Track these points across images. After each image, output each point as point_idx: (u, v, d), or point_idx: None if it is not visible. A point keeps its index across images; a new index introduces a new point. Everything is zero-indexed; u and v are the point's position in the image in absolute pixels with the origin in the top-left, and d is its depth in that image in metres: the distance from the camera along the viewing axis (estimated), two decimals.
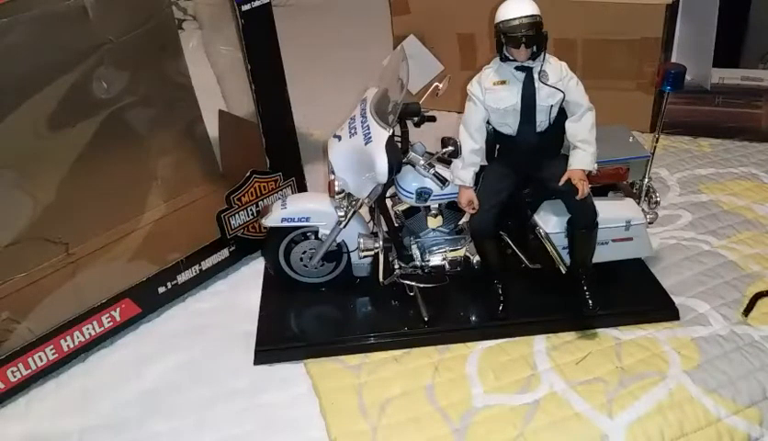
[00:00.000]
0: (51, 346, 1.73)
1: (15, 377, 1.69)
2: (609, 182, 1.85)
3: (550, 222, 1.76)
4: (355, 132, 1.71)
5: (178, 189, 2.28)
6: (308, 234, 1.87)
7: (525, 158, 1.70)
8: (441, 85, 1.70)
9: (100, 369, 1.79)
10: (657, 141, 1.87)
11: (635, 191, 1.88)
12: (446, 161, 1.75)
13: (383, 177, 1.65)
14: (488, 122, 1.70)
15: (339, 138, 1.76)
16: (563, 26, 2.46)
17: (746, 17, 2.87)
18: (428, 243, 1.86)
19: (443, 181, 1.73)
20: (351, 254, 1.87)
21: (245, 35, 1.86)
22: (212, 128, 2.36)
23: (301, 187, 2.15)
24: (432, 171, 1.73)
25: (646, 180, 1.86)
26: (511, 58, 1.61)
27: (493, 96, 1.64)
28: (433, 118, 1.77)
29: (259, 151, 2.02)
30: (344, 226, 1.79)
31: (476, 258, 1.82)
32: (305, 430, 1.57)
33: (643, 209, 1.84)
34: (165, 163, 2.24)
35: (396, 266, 1.82)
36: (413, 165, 1.74)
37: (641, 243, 1.83)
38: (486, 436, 1.53)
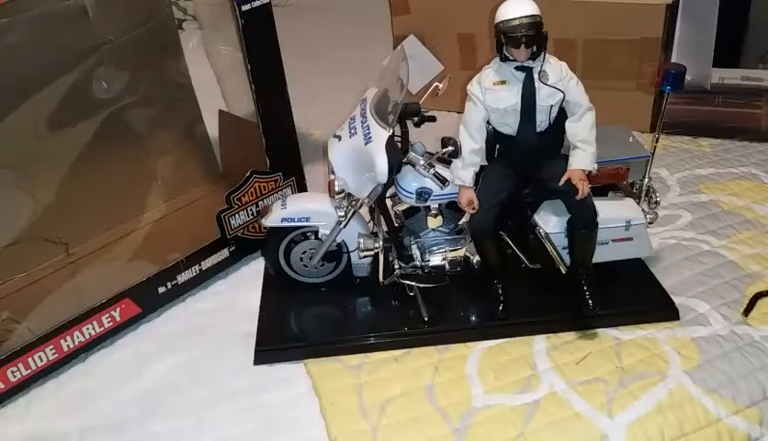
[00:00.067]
0: (51, 346, 1.73)
1: (15, 377, 1.69)
2: (609, 182, 1.85)
3: (550, 222, 1.76)
4: (355, 132, 1.71)
5: (178, 189, 2.28)
6: (308, 234, 1.87)
7: (525, 158, 1.70)
8: (441, 85, 1.70)
9: (100, 369, 1.79)
10: (657, 141, 1.87)
11: (635, 191, 1.88)
12: (446, 161, 1.75)
13: (383, 177, 1.65)
14: (488, 122, 1.70)
15: (339, 138, 1.76)
16: (563, 26, 2.46)
17: (746, 17, 2.87)
18: (428, 243, 1.86)
19: (443, 181, 1.73)
20: (351, 254, 1.87)
21: (245, 35, 1.86)
22: (212, 128, 2.36)
23: (301, 187, 2.15)
24: (432, 171, 1.73)
25: (646, 180, 1.86)
26: (511, 58, 1.61)
27: (493, 96, 1.64)
28: (433, 118, 1.77)
29: (259, 151, 2.02)
30: (344, 226, 1.79)
31: (476, 258, 1.82)
32: (305, 430, 1.57)
33: (643, 209, 1.84)
34: (165, 164, 2.24)
35: (396, 266, 1.82)
36: (413, 165, 1.74)
37: (641, 243, 1.83)
38: (486, 436, 1.53)
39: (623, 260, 1.85)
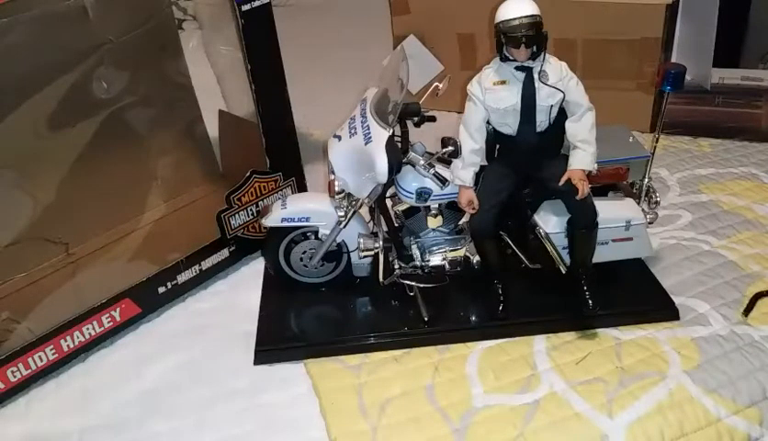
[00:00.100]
0: (51, 346, 1.73)
1: (15, 377, 1.69)
2: (609, 182, 1.85)
3: (550, 222, 1.76)
4: (356, 132, 1.71)
5: (178, 189, 2.28)
6: (308, 234, 1.87)
7: (525, 158, 1.70)
8: (441, 85, 1.70)
9: (100, 369, 1.79)
10: (657, 141, 1.87)
11: (635, 191, 1.88)
12: (446, 161, 1.75)
13: (383, 177, 1.65)
14: (488, 122, 1.70)
15: (339, 138, 1.76)
16: (563, 26, 2.46)
17: (746, 17, 2.87)
18: (428, 243, 1.86)
19: (443, 181, 1.73)
20: (351, 254, 1.87)
21: (245, 35, 1.86)
22: (212, 128, 2.36)
23: (301, 187, 2.15)
24: (432, 171, 1.73)
25: (646, 180, 1.86)
26: (511, 58, 1.61)
27: (493, 96, 1.64)
28: (433, 118, 1.77)
29: (259, 151, 2.02)
30: (344, 226, 1.79)
31: (476, 258, 1.82)
32: (305, 430, 1.57)
33: (643, 209, 1.84)
34: (165, 164, 2.24)
35: (396, 266, 1.82)
36: (413, 165, 1.74)
37: (641, 243, 1.83)
38: (486, 436, 1.53)
39: (623, 260, 1.85)
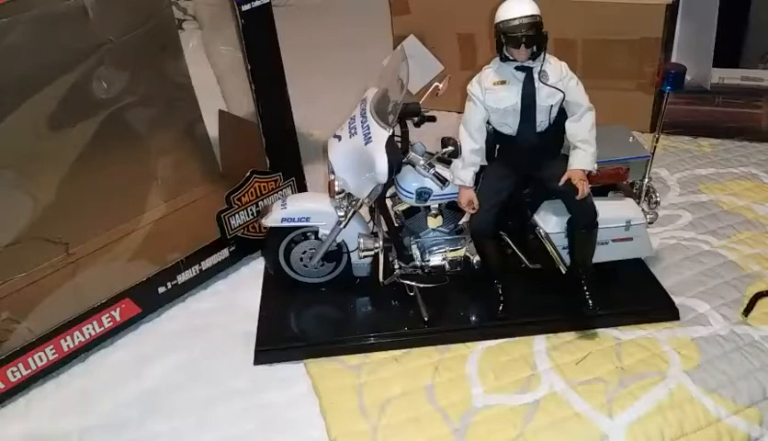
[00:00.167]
0: (51, 346, 1.73)
1: (15, 377, 1.69)
2: (609, 182, 1.85)
3: (550, 222, 1.76)
4: (355, 132, 1.71)
5: (178, 189, 2.28)
6: (308, 234, 1.87)
7: (525, 158, 1.70)
8: (441, 85, 1.70)
9: (100, 369, 1.79)
10: (657, 141, 1.86)
11: (635, 191, 1.88)
12: (446, 161, 1.75)
13: (383, 177, 1.65)
14: (488, 122, 1.70)
15: (339, 138, 1.76)
16: (563, 26, 2.46)
17: (746, 17, 2.87)
18: (428, 243, 1.86)
19: (443, 181, 1.73)
20: (351, 254, 1.87)
21: (245, 35, 1.86)
22: (212, 128, 2.36)
23: (301, 187, 2.15)
24: (432, 171, 1.73)
25: (646, 180, 1.85)
26: (511, 58, 1.61)
27: (493, 96, 1.64)
28: (433, 118, 1.77)
29: (259, 151, 2.02)
30: (344, 226, 1.79)
31: (476, 258, 1.82)
32: (305, 430, 1.57)
33: (643, 209, 1.84)
34: (165, 163, 2.24)
35: (396, 266, 1.82)
36: (413, 165, 1.74)
37: (641, 243, 1.83)
38: (486, 436, 1.53)
39: (623, 260, 1.85)
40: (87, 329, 1.79)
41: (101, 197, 2.05)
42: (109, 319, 1.82)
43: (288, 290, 1.93)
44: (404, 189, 1.77)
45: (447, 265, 1.84)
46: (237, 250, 2.05)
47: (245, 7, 1.82)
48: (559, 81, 1.62)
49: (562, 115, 1.67)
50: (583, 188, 1.64)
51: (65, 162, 2.00)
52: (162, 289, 1.92)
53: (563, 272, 1.80)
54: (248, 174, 2.00)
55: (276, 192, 2.08)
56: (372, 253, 1.82)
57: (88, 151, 2.02)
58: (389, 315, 1.83)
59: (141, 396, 1.69)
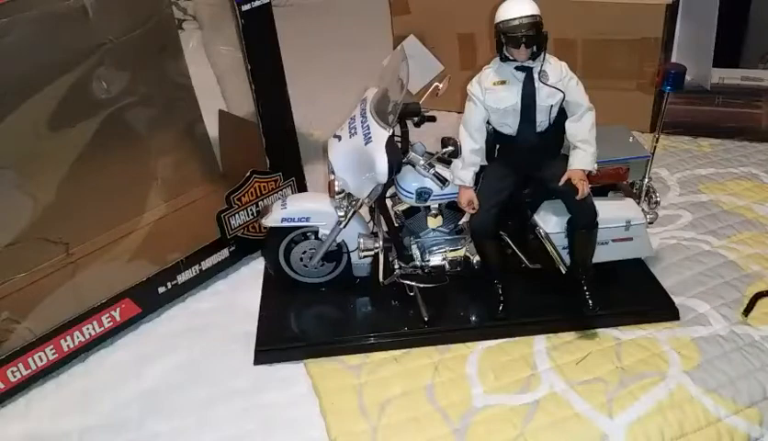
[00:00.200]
0: (51, 346, 1.73)
1: (15, 377, 1.69)
2: (609, 182, 1.85)
3: (550, 222, 1.76)
4: (356, 132, 1.71)
5: (178, 189, 2.28)
6: (308, 234, 1.87)
7: (525, 158, 1.70)
8: (441, 85, 1.70)
9: (100, 369, 1.79)
10: (657, 141, 1.86)
11: (635, 191, 1.88)
12: (446, 161, 1.75)
13: (383, 177, 1.65)
14: (488, 122, 1.70)
15: (339, 138, 1.76)
16: (563, 26, 2.46)
17: (746, 17, 2.87)
18: (428, 243, 1.86)
19: (443, 181, 1.73)
20: (351, 254, 1.87)
21: (245, 35, 1.86)
22: (212, 128, 2.36)
23: (301, 187, 2.15)
24: (432, 171, 1.73)
25: (646, 180, 1.85)
26: (511, 58, 1.61)
27: (493, 96, 1.64)
28: (433, 118, 1.77)
29: (259, 151, 2.02)
30: (344, 226, 1.79)
31: (476, 258, 1.82)
32: (305, 430, 1.57)
33: (643, 209, 1.84)
34: (165, 163, 2.24)
35: (396, 266, 1.82)
36: (413, 165, 1.74)
37: (641, 243, 1.83)
38: (486, 436, 1.53)
39: (623, 260, 1.85)
40: (87, 329, 1.79)
41: (101, 197, 2.06)
42: (109, 319, 1.82)
43: (288, 290, 1.93)
44: (404, 189, 1.77)
45: (447, 265, 1.84)
46: (237, 250, 2.05)
47: (245, 7, 1.82)
48: (559, 81, 1.62)
49: (562, 115, 1.67)
50: (583, 188, 1.64)
51: (65, 162, 2.00)
52: (162, 289, 1.92)
53: (563, 272, 1.79)
54: (248, 174, 2.00)
55: (276, 192, 2.08)
56: (372, 253, 1.82)
57: (88, 151, 2.02)
58: (389, 315, 1.83)
59: (141, 396, 1.69)
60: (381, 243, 1.80)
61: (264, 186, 2.05)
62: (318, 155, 2.41)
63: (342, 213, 1.75)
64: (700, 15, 2.67)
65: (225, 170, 2.37)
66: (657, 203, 1.88)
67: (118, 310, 1.83)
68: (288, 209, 1.83)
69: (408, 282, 1.82)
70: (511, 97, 1.63)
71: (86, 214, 2.05)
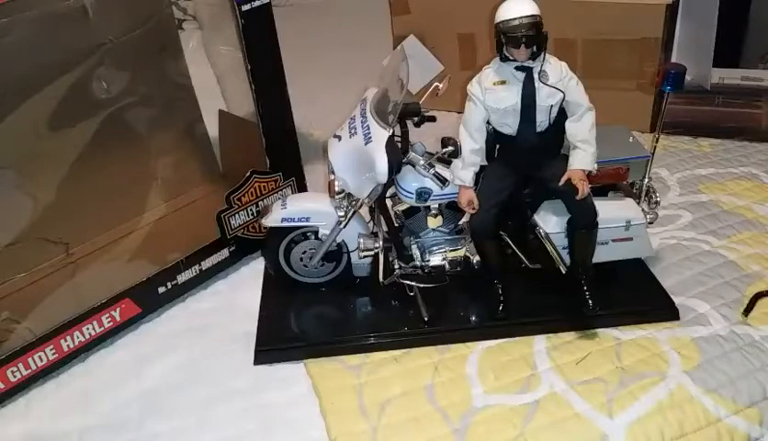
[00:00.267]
0: (51, 346, 1.73)
1: (15, 377, 1.69)
2: (609, 182, 1.85)
3: (550, 222, 1.76)
4: (356, 132, 1.71)
5: (178, 189, 2.28)
6: (308, 234, 1.87)
7: (525, 158, 1.70)
8: (441, 85, 1.70)
9: (100, 369, 1.79)
10: (657, 141, 1.86)
11: (635, 191, 1.87)
12: (446, 161, 1.75)
13: (383, 177, 1.65)
14: (488, 122, 1.70)
15: (339, 138, 1.76)
16: (563, 26, 2.46)
17: (746, 17, 2.87)
18: (428, 243, 1.86)
19: (443, 181, 1.73)
20: (351, 254, 1.87)
21: (245, 35, 1.86)
22: (212, 128, 2.36)
23: (301, 187, 2.15)
24: (432, 171, 1.73)
25: (646, 180, 1.85)
26: (511, 58, 1.61)
27: (493, 97, 1.64)
28: (433, 118, 1.77)
29: (259, 151, 2.02)
30: (344, 226, 1.79)
31: (476, 258, 1.82)
32: (305, 430, 1.57)
33: (643, 209, 1.84)
34: (165, 163, 2.24)
35: (396, 266, 1.82)
36: (413, 165, 1.74)
37: (641, 243, 1.83)
38: (486, 436, 1.53)
39: (623, 260, 1.85)
40: (87, 329, 1.79)
41: (101, 197, 2.06)
42: (109, 319, 1.82)
43: (288, 290, 1.93)
44: (404, 189, 1.77)
45: (447, 265, 1.84)
46: (237, 250, 2.05)
47: (245, 7, 1.82)
48: (559, 81, 1.62)
49: (562, 115, 1.67)
50: (583, 188, 1.64)
51: (65, 162, 2.00)
52: (162, 289, 1.92)
53: (563, 272, 1.79)
54: (248, 174, 2.00)
55: (276, 192, 2.08)
56: (372, 253, 1.82)
57: (88, 151, 2.02)
58: (389, 315, 1.83)
59: (141, 396, 1.69)
60: (381, 243, 1.80)
61: (264, 186, 2.05)
62: (318, 155, 2.41)
63: (342, 213, 1.75)
64: (700, 15, 2.67)
65: (225, 170, 2.37)
66: (657, 203, 1.88)
67: (118, 310, 1.83)
68: (288, 209, 1.83)
69: (408, 282, 1.82)
70: (511, 97, 1.63)
71: (86, 214, 2.05)
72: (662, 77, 1.80)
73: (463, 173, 1.70)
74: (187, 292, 1.98)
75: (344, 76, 3.03)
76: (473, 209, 1.71)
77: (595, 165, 1.68)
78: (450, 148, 1.72)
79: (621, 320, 1.78)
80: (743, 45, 2.89)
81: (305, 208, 1.83)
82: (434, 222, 1.84)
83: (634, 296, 1.85)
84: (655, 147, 1.86)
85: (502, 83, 1.63)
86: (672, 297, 1.83)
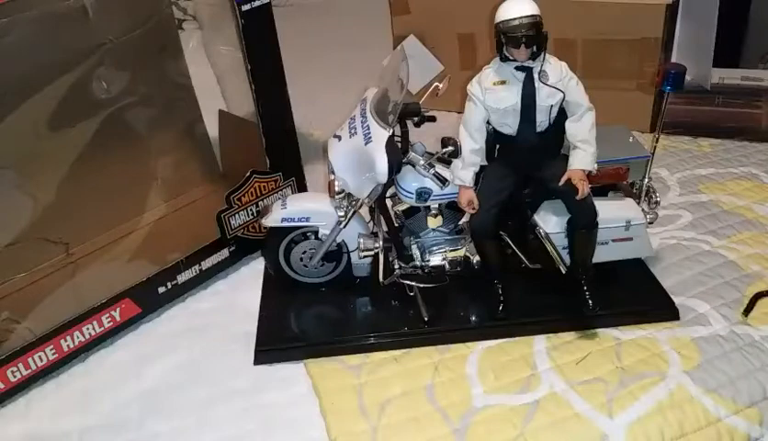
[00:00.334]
0: (51, 346, 1.73)
1: (15, 377, 1.69)
2: (609, 182, 1.85)
3: (550, 222, 1.76)
4: (356, 132, 1.71)
5: (178, 189, 2.28)
6: (308, 234, 1.87)
7: (525, 158, 1.70)
8: (441, 85, 1.70)
9: (100, 369, 1.79)
10: (657, 141, 1.86)
11: (635, 191, 1.88)
12: (446, 161, 1.75)
13: (383, 177, 1.65)
14: (488, 122, 1.70)
15: (339, 138, 1.76)
16: (563, 26, 2.46)
17: (746, 17, 2.87)
18: (428, 243, 1.86)
19: (443, 181, 1.73)
20: (351, 254, 1.87)
21: (245, 35, 1.86)
22: (212, 128, 2.36)
23: (301, 187, 2.15)
24: (432, 171, 1.73)
25: (646, 180, 1.85)
26: (511, 58, 1.61)
27: (493, 97, 1.64)
28: (433, 118, 1.77)
29: (259, 151, 2.02)
30: (344, 226, 1.79)
31: (476, 258, 1.82)
32: (305, 430, 1.57)
33: (643, 209, 1.84)
34: (165, 163, 2.24)
35: (396, 266, 1.82)
36: (413, 165, 1.74)
37: (641, 243, 1.83)
38: (486, 436, 1.53)
39: (623, 260, 1.85)
40: (87, 329, 1.79)
41: (101, 197, 2.06)
42: (109, 319, 1.82)
43: (288, 290, 1.93)
44: (404, 189, 1.77)
45: (447, 265, 1.84)
46: (237, 250, 2.05)
47: (245, 7, 1.82)
48: (559, 81, 1.62)
49: (562, 115, 1.67)
50: (583, 188, 1.64)
51: (65, 162, 2.00)
52: (162, 289, 1.92)
53: (563, 272, 1.79)
54: (248, 174, 2.00)
55: (276, 192, 2.08)
56: (372, 253, 1.82)
57: (88, 151, 2.02)
58: (389, 315, 1.83)
59: (141, 396, 1.69)
60: (381, 243, 1.80)
61: (264, 186, 2.05)
62: (318, 155, 2.41)
63: (342, 213, 1.75)
64: (700, 15, 2.67)
65: (225, 170, 2.37)
66: (657, 203, 1.88)
67: (118, 310, 1.83)
68: (288, 209, 1.83)
69: (408, 282, 1.82)
70: (511, 97, 1.63)
71: (86, 214, 2.05)
72: (662, 77, 1.80)
73: (463, 173, 1.70)
74: (187, 292, 1.98)
75: (344, 76, 3.03)
76: (473, 209, 1.71)
77: (595, 165, 1.68)
78: (450, 148, 1.72)
79: (621, 320, 1.78)
80: (743, 45, 2.89)
81: (305, 208, 1.83)
82: (434, 222, 1.84)
83: (634, 296, 1.85)
84: (655, 147, 1.86)
85: (502, 83, 1.63)
86: (672, 297, 1.83)
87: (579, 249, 1.75)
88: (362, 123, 1.70)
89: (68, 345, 1.76)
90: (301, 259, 1.90)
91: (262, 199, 2.05)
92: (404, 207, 1.85)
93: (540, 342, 1.75)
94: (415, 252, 1.84)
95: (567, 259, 1.78)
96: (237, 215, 2.01)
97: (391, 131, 1.65)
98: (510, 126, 1.67)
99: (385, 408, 1.60)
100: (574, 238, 1.74)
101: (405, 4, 2.88)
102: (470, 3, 2.62)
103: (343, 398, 1.63)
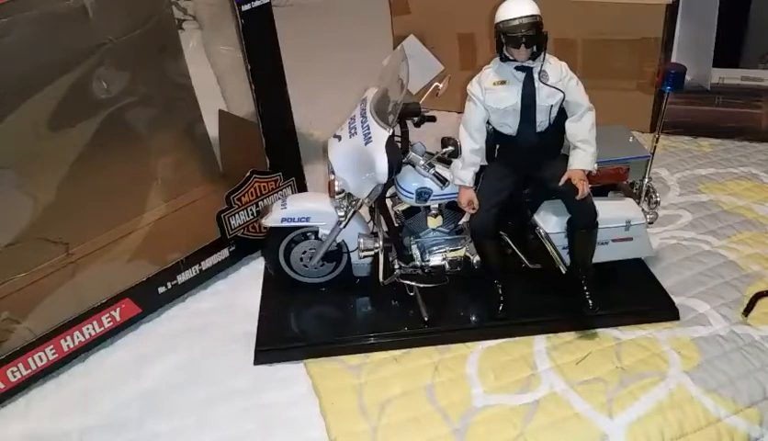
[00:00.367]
0: (51, 346, 1.73)
1: (15, 377, 1.69)
2: (609, 182, 1.85)
3: (550, 222, 1.76)
4: (355, 132, 1.71)
5: (178, 189, 2.28)
6: (308, 234, 1.87)
7: (525, 158, 1.70)
8: (441, 85, 1.70)
9: (100, 369, 1.79)
10: (657, 141, 1.86)
11: (635, 191, 1.88)
12: (446, 161, 1.75)
13: (383, 177, 1.65)
14: (488, 122, 1.70)
15: (339, 138, 1.76)
16: (563, 26, 2.46)
17: (746, 17, 2.87)
18: (428, 243, 1.86)
19: (443, 181, 1.73)
20: (351, 254, 1.87)
21: (245, 35, 1.86)
22: (212, 128, 2.36)
23: (301, 187, 2.15)
24: (432, 171, 1.73)
25: (646, 180, 1.85)
26: (511, 58, 1.61)
27: (493, 97, 1.64)
28: (433, 118, 1.77)
29: (259, 151, 2.02)
30: (344, 226, 1.79)
31: (476, 258, 1.82)
32: (305, 430, 1.57)
33: (643, 209, 1.84)
34: (165, 163, 2.24)
35: (396, 266, 1.82)
36: (413, 165, 1.74)
37: (641, 243, 1.83)
38: (486, 436, 1.53)
39: (623, 260, 1.85)
40: (87, 329, 1.79)
41: (101, 197, 2.06)
42: (109, 319, 1.82)
43: (288, 290, 1.93)
44: (404, 189, 1.77)
45: (447, 265, 1.84)
46: (237, 250, 2.05)
47: (245, 7, 1.82)
48: (559, 81, 1.62)
49: (562, 115, 1.67)
50: (583, 188, 1.64)
51: (65, 162, 2.00)
52: (162, 289, 1.92)
53: (563, 272, 1.79)
54: (248, 174, 2.00)
55: (276, 192, 2.08)
56: (372, 253, 1.82)
57: (88, 151, 2.02)
58: (389, 315, 1.83)
59: (141, 396, 1.69)
60: (381, 243, 1.81)
61: (264, 186, 2.05)
62: (318, 155, 2.41)
63: (342, 213, 1.75)
64: (700, 15, 2.67)
65: (225, 170, 2.37)
66: (657, 203, 1.88)
67: (118, 310, 1.83)
68: (288, 209, 1.83)
69: (408, 282, 1.82)
70: (511, 97, 1.63)
71: (86, 214, 2.05)
72: (662, 77, 1.80)
73: (463, 173, 1.70)
74: (187, 292, 1.98)
75: (344, 76, 3.03)
76: (473, 209, 1.71)
77: (595, 165, 1.68)
78: (450, 148, 1.72)
79: (621, 320, 1.78)
80: (743, 45, 2.89)
81: (305, 208, 1.83)
82: (434, 222, 1.84)
83: (634, 296, 1.85)
84: (655, 147, 1.86)
85: (502, 83, 1.63)
86: (672, 297, 1.83)
87: (579, 249, 1.75)
88: (362, 123, 1.70)
89: (68, 345, 1.76)
90: (301, 259, 1.90)
91: (262, 199, 2.05)
92: (404, 207, 1.85)
93: (540, 342, 1.75)
94: (415, 252, 1.84)
95: (567, 259, 1.78)
96: (237, 215, 2.01)
97: (391, 131, 1.65)
98: (510, 126, 1.67)
99: (385, 408, 1.60)
100: (574, 238, 1.74)
101: (405, 4, 2.88)
102: (470, 3, 2.62)
103: (343, 398, 1.63)
